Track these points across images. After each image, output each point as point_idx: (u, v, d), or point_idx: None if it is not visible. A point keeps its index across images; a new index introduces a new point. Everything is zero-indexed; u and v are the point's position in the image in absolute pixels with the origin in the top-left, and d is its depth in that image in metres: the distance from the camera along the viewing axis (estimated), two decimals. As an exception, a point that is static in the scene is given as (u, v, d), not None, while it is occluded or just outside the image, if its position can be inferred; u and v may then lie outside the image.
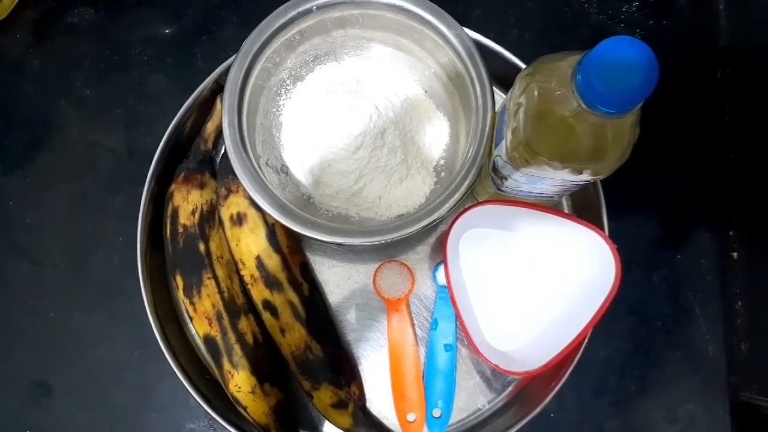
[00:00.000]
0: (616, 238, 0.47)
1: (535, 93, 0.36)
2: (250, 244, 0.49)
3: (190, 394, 0.48)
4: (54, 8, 0.61)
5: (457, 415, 0.52)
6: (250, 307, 0.50)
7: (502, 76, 0.50)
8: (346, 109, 0.50)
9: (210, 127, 0.53)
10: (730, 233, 0.57)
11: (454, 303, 0.47)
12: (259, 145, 0.50)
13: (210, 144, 0.53)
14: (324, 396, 0.48)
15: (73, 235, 0.56)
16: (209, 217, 0.50)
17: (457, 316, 0.48)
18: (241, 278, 0.50)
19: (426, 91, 0.53)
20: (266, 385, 0.47)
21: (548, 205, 0.49)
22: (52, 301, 0.55)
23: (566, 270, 0.50)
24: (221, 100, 0.49)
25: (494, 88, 0.46)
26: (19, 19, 0.60)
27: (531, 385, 0.52)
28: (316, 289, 0.52)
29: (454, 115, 0.52)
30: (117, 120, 0.58)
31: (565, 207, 0.56)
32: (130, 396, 0.54)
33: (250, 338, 0.48)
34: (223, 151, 0.51)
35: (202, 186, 0.50)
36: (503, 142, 0.41)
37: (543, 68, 0.37)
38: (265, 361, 0.48)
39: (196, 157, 0.52)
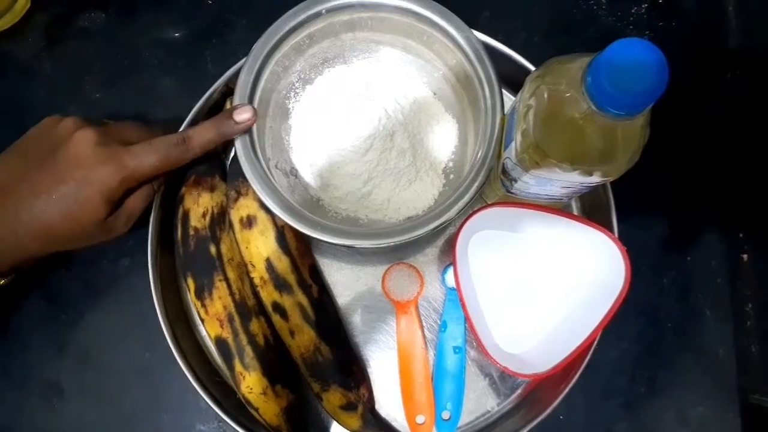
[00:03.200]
0: (625, 240, 0.47)
1: (545, 95, 0.36)
2: (260, 247, 0.49)
3: (200, 395, 0.48)
4: (65, 12, 0.61)
5: (466, 418, 0.52)
6: (261, 308, 0.50)
7: (510, 78, 0.50)
8: (355, 112, 0.50)
9: (220, 129, 0.53)
10: (740, 235, 0.57)
11: (463, 305, 0.47)
12: (268, 148, 0.50)
13: (220, 147, 0.53)
14: (333, 398, 0.48)
15: (84, 237, 0.57)
16: (220, 219, 0.50)
17: (466, 319, 0.48)
18: (251, 280, 0.50)
19: (435, 94, 0.53)
20: (278, 386, 0.48)
21: (558, 207, 0.49)
22: (63, 304, 0.55)
23: (575, 272, 0.50)
24: (231, 104, 0.50)
25: (503, 90, 0.46)
26: (31, 23, 0.61)
27: (540, 387, 0.52)
28: (325, 291, 0.52)
29: (463, 117, 0.52)
30: (127, 123, 0.59)
31: (575, 209, 0.56)
32: (140, 397, 0.54)
33: (261, 340, 0.48)
34: (233, 154, 0.51)
35: (212, 189, 0.51)
36: (513, 144, 0.41)
37: (553, 70, 0.37)
38: (277, 362, 0.48)
39: (206, 160, 0.52)
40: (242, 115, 0.46)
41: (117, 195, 0.44)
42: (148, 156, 0.43)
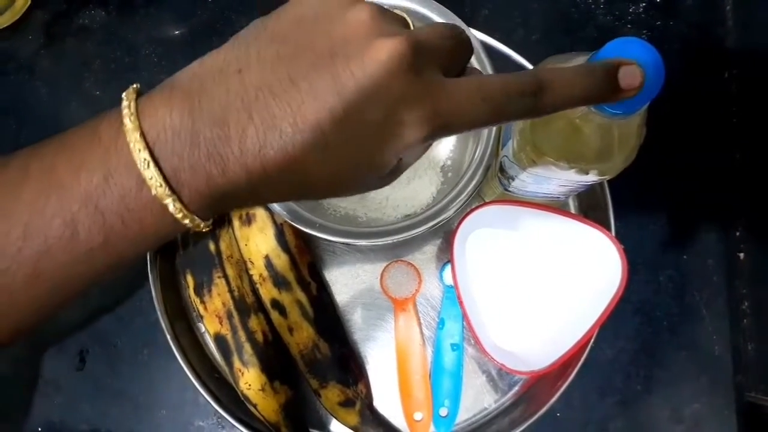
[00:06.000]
0: (622, 238, 0.47)
1: (542, 94, 0.36)
2: (259, 244, 0.49)
3: (199, 392, 0.48)
4: (65, 10, 0.61)
5: (463, 414, 0.52)
6: (260, 305, 0.50)
7: (509, 77, 0.50)
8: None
9: (219, 127, 0.53)
10: (737, 234, 0.57)
11: (460, 302, 0.48)
12: (267, 145, 0.50)
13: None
14: (331, 394, 0.49)
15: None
16: (219, 216, 0.50)
17: (464, 316, 0.48)
18: (250, 277, 0.50)
19: (433, 92, 0.53)
20: (276, 382, 0.48)
21: (555, 206, 0.49)
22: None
23: (573, 270, 0.50)
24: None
25: (501, 89, 0.46)
26: (31, 20, 0.61)
27: (537, 384, 0.53)
28: (324, 288, 0.53)
29: (461, 115, 0.52)
30: (127, 121, 0.59)
31: (572, 207, 0.56)
32: (139, 393, 0.54)
33: (260, 336, 0.48)
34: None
35: (211, 186, 0.51)
36: (510, 142, 0.41)
37: (550, 69, 0.37)
38: (276, 359, 0.49)
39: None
40: (630, 80, 0.28)
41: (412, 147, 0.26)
42: (473, 104, 0.25)
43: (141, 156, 0.22)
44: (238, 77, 0.23)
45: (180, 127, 0.23)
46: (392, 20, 0.25)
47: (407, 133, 0.25)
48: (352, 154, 0.25)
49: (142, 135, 0.23)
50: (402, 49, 0.23)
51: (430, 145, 0.29)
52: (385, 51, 0.23)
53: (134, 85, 0.25)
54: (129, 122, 0.23)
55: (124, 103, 0.24)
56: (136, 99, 0.24)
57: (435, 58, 0.25)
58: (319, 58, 0.23)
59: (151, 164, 0.22)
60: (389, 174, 0.28)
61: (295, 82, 0.23)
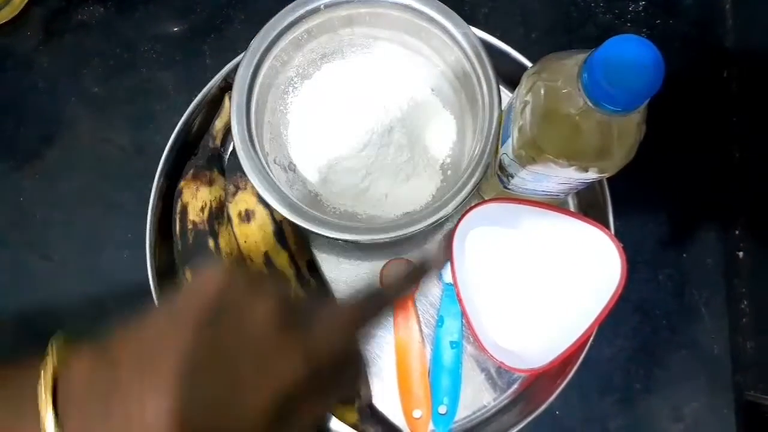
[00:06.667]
0: (622, 236, 0.47)
1: (542, 91, 0.36)
2: (258, 241, 0.49)
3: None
4: (64, 6, 0.61)
5: (462, 412, 0.52)
6: (259, 302, 0.50)
7: (508, 75, 0.50)
8: (353, 108, 0.50)
9: (218, 124, 0.53)
10: (736, 232, 0.57)
11: (460, 300, 0.48)
12: (267, 142, 0.50)
13: (218, 141, 0.53)
14: (330, 392, 0.49)
15: (83, 231, 0.57)
16: (218, 213, 0.50)
17: (463, 314, 0.48)
18: (248, 274, 0.50)
19: (433, 90, 0.53)
20: (274, 379, 0.48)
21: (554, 204, 0.49)
22: (62, 297, 0.56)
23: (572, 268, 0.50)
24: (229, 98, 0.50)
25: (500, 87, 0.46)
26: (30, 16, 0.61)
27: (536, 382, 0.53)
28: (324, 285, 0.53)
29: (461, 113, 0.52)
30: (126, 117, 0.59)
31: (572, 205, 0.56)
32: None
33: (258, 333, 0.48)
34: (231, 149, 0.51)
35: (210, 183, 0.51)
36: (510, 140, 0.41)
37: (550, 67, 0.37)
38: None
39: (205, 154, 0.52)
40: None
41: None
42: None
43: (46, 411, 0.24)
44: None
45: (94, 396, 0.25)
46: (293, 324, 0.27)
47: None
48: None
49: (54, 391, 0.24)
50: (303, 368, 0.26)
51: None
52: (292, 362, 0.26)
53: (61, 336, 0.28)
54: (43, 375, 0.25)
55: (48, 355, 0.26)
56: (66, 347, 0.27)
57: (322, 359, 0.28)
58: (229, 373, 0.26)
59: (53, 423, 0.24)
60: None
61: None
